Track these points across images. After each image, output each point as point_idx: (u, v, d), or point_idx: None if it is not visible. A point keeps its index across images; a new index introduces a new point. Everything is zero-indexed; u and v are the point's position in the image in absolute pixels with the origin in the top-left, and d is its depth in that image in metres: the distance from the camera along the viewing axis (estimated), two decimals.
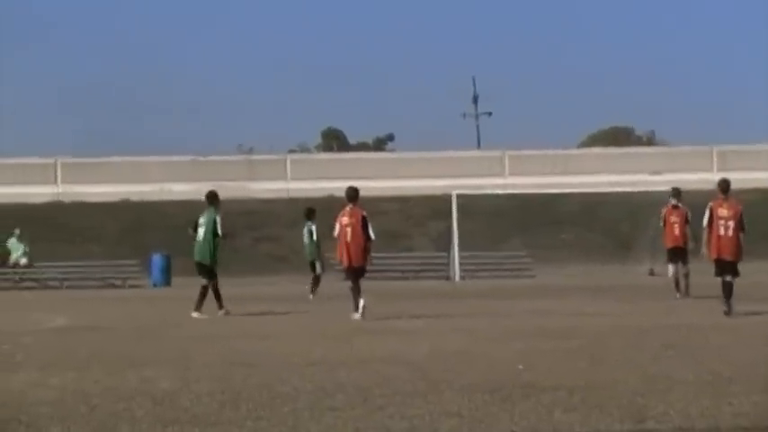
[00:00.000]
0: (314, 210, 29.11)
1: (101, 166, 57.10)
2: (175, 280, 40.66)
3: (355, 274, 19.23)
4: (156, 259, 42.22)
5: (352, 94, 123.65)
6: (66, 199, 54.84)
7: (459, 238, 42.17)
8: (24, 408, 8.80)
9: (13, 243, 42.94)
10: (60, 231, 49.47)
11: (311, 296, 26.99)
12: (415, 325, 17.34)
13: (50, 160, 57.48)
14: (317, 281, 27.90)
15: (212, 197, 21.78)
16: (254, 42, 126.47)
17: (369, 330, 16.21)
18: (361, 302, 18.86)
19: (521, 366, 11.05)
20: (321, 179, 54.33)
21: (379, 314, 19.25)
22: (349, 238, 19.11)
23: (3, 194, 52.99)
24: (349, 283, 19.36)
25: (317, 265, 28.12)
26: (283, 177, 57.51)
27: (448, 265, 42.76)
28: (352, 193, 19.57)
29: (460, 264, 41.89)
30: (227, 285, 28.38)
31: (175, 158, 58.12)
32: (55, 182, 56.44)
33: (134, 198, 54.97)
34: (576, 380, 9.89)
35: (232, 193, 54.83)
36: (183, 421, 8.11)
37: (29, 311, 22.33)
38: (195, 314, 20.33)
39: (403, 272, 43.37)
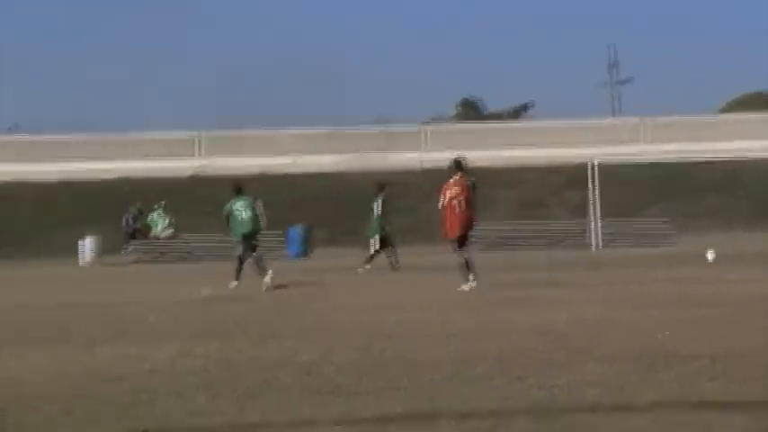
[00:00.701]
0: (384, 184, 29.24)
1: (239, 139, 57.93)
2: (315, 251, 41.16)
3: (460, 242, 18.95)
4: (294, 231, 42.69)
5: (489, 64, 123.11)
6: (208, 171, 55.73)
7: (597, 206, 41.86)
8: (172, 376, 9.03)
9: (155, 216, 43.87)
10: (201, 204, 50.32)
11: (363, 268, 26.88)
12: (553, 294, 17.27)
13: (193, 133, 58.51)
14: (372, 256, 27.66)
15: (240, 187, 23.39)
16: (390, 12, 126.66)
17: (507, 300, 16.20)
18: (471, 277, 18.62)
19: (664, 334, 10.94)
20: (456, 149, 54.35)
21: (516, 283, 19.21)
22: (458, 210, 18.91)
23: (152, 168, 54.20)
24: (459, 256, 18.98)
25: (371, 242, 27.96)
26: (419, 148, 57.60)
27: (586, 233, 42.47)
28: (459, 164, 19.20)
29: (599, 232, 41.59)
30: (361, 256, 28.64)
31: (312, 130, 58.62)
32: (198, 155, 57.43)
33: (272, 170, 55.63)
34: (718, 348, 9.77)
35: (368, 164, 55.26)
36: (325, 391, 8.24)
37: (173, 284, 22.80)
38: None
39: (541, 240, 43.17)
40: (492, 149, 55.29)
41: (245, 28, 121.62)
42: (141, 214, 45.08)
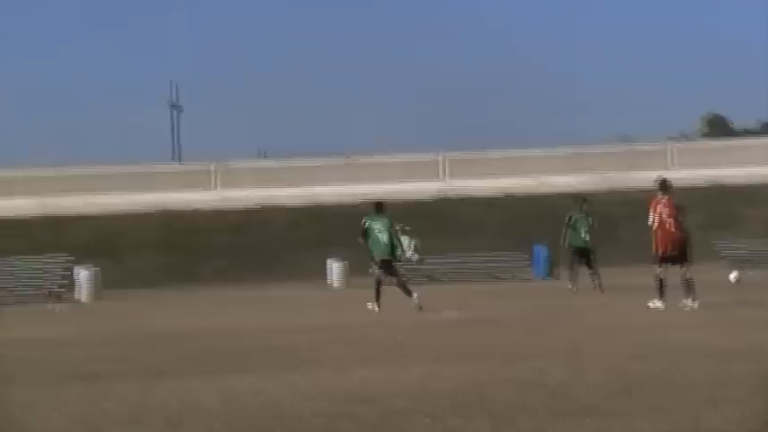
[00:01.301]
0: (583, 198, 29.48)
1: (482, 160, 58.09)
2: (559, 272, 40.87)
3: (672, 261, 19.50)
4: (539, 251, 42.50)
5: (733, 80, 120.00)
6: (451, 193, 56.06)
7: None
8: (423, 398, 9.08)
9: (401, 238, 44.32)
10: (446, 225, 50.68)
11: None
12: None
13: (435, 156, 58.99)
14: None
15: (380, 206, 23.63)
16: (627, 33, 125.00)
17: (762, 320, 15.70)
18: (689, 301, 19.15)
19: None
20: (704, 167, 53.10)
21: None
22: (669, 226, 19.45)
23: (396, 190, 54.96)
24: (659, 271, 19.50)
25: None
26: (665, 166, 56.58)
27: None
28: (666, 185, 19.96)
29: None
30: (609, 275, 28.27)
31: (556, 151, 58.30)
32: (441, 177, 57.86)
33: (516, 191, 55.57)
34: None
35: (613, 183, 54.56)
36: (576, 412, 8.14)
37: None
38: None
39: None
40: (744, 167, 53.70)
41: (485, 47, 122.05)
42: None
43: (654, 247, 19.60)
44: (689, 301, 19.13)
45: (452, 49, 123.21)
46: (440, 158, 58.76)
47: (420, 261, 43.49)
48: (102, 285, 41.87)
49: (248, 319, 22.55)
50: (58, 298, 38.72)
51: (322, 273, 44.32)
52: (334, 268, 43.50)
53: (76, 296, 39.46)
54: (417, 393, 9.40)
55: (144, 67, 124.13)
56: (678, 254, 19.44)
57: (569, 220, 28.46)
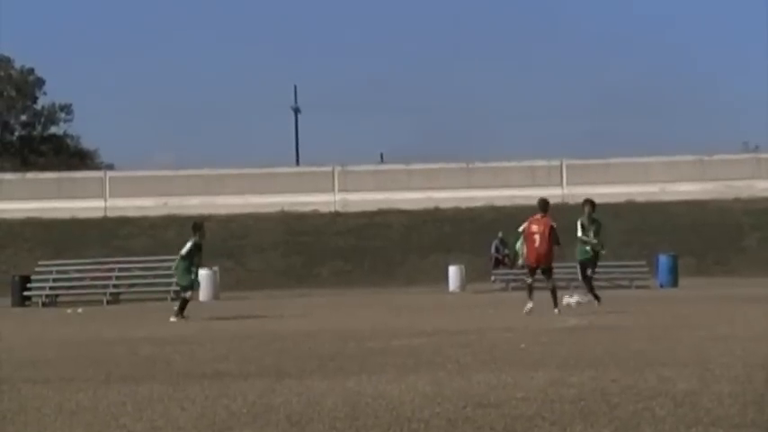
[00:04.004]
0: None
1: (604, 167, 57.57)
2: (682, 280, 40.27)
3: (542, 271, 22.89)
4: (663, 259, 41.96)
5: None
6: (572, 200, 55.66)
7: None
8: (547, 405, 8.98)
9: (520, 244, 44.14)
10: (564, 233, 50.30)
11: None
12: None
13: (556, 162, 58.61)
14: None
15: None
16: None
17: None
18: (530, 305, 22.47)
19: None
20: None
21: None
22: (537, 243, 22.61)
23: (516, 196, 54.65)
24: (528, 279, 23.08)
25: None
26: None
27: None
28: (544, 204, 23.18)
29: None
30: (735, 285, 27.76)
31: (679, 158, 57.52)
32: (561, 183, 57.47)
33: (638, 198, 54.96)
34: None
35: (737, 192, 53.61)
36: (704, 422, 7.97)
37: (538, 311, 22.84)
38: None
39: None
40: None
41: (611, 49, 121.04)
42: (503, 243, 45.62)
43: (526, 260, 22.96)
44: (556, 310, 22.26)
45: (572, 55, 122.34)
46: (559, 164, 58.37)
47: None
48: (222, 286, 42.38)
49: (368, 321, 22.62)
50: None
51: (441, 277, 44.30)
52: (454, 272, 43.46)
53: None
54: (540, 399, 9.30)
55: (267, 70, 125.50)
56: (544, 267, 22.76)
57: (582, 228, 25.76)
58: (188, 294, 25.29)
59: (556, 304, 22.82)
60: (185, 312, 24.86)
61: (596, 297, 25.07)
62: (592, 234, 25.55)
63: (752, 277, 38.30)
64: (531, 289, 23.15)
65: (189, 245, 25.34)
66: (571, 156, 59.56)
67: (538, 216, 23.08)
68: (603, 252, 26.12)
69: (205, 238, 26.02)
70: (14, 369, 13.30)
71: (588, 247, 25.50)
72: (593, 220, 25.82)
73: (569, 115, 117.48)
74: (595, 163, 58.08)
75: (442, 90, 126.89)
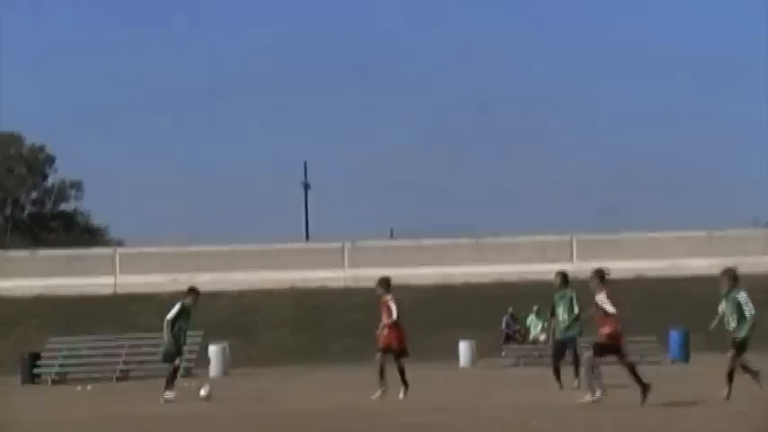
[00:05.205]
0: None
1: (615, 242, 57.50)
2: (693, 355, 40.06)
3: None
4: (675, 335, 41.81)
5: None
6: (582, 275, 55.56)
7: None
8: None
9: (532, 319, 44.11)
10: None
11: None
12: None
13: (566, 237, 58.60)
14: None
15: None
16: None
17: None
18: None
19: None
20: None
21: None
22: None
23: (525, 271, 54.53)
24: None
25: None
26: None
27: None
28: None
29: None
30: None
31: (690, 233, 57.48)
32: (571, 258, 57.41)
33: (649, 274, 54.86)
34: None
35: (750, 268, 53.50)
36: None
37: (551, 387, 22.66)
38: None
39: None
40: None
41: (623, 126, 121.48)
42: (513, 318, 45.66)
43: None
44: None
45: (582, 131, 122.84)
46: (569, 239, 58.35)
47: (545, 341, 43.09)
48: (232, 362, 42.25)
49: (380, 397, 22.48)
50: (190, 374, 39.13)
51: (452, 352, 44.11)
52: (464, 348, 43.31)
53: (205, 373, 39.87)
54: None
55: (277, 146, 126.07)
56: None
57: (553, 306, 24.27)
58: (176, 362, 23.49)
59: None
60: (175, 384, 23.23)
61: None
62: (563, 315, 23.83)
63: (765, 353, 38.07)
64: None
65: (177, 307, 23.77)
66: (582, 230, 59.53)
67: None
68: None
69: (195, 306, 24.24)
70: None
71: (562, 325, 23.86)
72: (561, 297, 24.26)
73: (580, 190, 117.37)
74: (606, 238, 57.99)
75: (452, 165, 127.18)
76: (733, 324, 18.70)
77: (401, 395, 20.92)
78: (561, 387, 22.31)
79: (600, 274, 17.91)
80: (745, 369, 18.93)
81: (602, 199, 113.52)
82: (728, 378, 18.42)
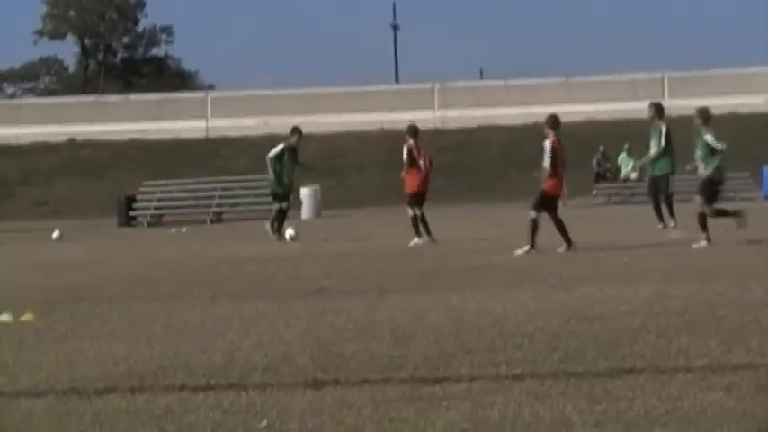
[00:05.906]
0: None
1: (706, 78, 56.53)
2: None
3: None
4: (767, 172, 41.37)
5: None
6: (674, 113, 54.81)
7: None
8: (652, 317, 8.94)
9: (623, 158, 43.80)
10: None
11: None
12: None
13: (657, 75, 57.73)
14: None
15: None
16: None
17: None
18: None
19: None
20: None
21: None
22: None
23: (615, 110, 53.97)
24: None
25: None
26: None
27: None
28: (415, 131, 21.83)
29: None
30: None
31: None
32: (662, 96, 56.63)
33: (741, 110, 53.99)
34: None
35: None
36: None
37: (642, 225, 22.60)
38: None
39: None
40: None
41: None
42: (604, 157, 45.29)
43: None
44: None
45: None
46: (660, 77, 57.46)
47: (637, 179, 42.79)
48: (323, 204, 42.60)
49: (468, 237, 22.64)
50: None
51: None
52: None
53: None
54: (645, 312, 9.25)
55: None
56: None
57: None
58: (284, 205, 23.34)
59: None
60: (282, 230, 23.09)
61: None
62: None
63: None
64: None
65: (280, 146, 23.55)
66: (672, 68, 58.67)
67: None
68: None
69: (298, 146, 24.27)
70: (124, 288, 13.56)
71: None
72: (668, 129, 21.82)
73: (670, 27, 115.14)
74: (697, 75, 57.09)
75: (541, 4, 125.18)
76: None
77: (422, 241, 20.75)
78: (664, 227, 20.93)
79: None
80: None
81: (693, 33, 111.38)
82: None
